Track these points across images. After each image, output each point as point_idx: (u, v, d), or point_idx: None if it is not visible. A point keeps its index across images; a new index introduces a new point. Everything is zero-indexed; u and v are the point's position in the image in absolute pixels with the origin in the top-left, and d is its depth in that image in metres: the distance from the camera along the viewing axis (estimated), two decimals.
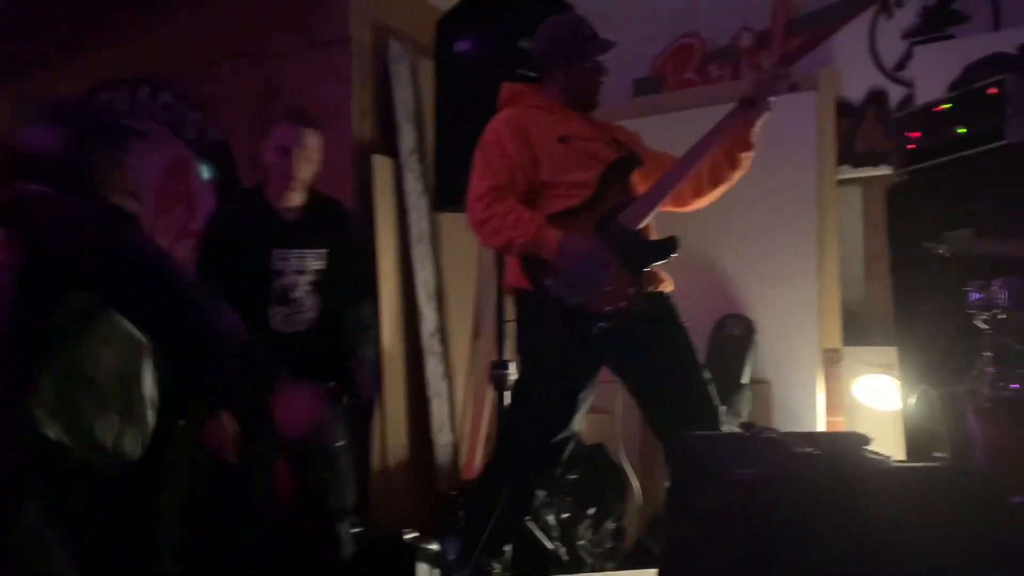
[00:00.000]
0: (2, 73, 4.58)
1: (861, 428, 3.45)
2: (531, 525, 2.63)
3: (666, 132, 2.90)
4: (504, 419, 2.50)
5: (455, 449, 3.77)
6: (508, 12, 3.10)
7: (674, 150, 2.47)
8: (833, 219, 3.63)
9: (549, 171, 2.34)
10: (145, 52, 4.21)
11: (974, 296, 1.71)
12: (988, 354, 1.69)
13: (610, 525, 3.27)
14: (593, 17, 2.58)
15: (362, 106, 3.66)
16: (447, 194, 3.28)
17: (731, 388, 3.46)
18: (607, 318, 2.16)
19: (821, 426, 3.46)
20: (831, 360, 3.53)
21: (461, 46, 3.15)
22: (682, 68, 4.22)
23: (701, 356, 2.40)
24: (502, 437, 2.47)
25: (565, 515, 3.16)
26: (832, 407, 3.50)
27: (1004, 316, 1.67)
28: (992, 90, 2.42)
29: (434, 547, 2.82)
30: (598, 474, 3.36)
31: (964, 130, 2.52)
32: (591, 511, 3.23)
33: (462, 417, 3.85)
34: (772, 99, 2.32)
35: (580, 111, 2.50)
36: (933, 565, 1.23)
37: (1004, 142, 2.39)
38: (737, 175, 2.47)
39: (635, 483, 3.30)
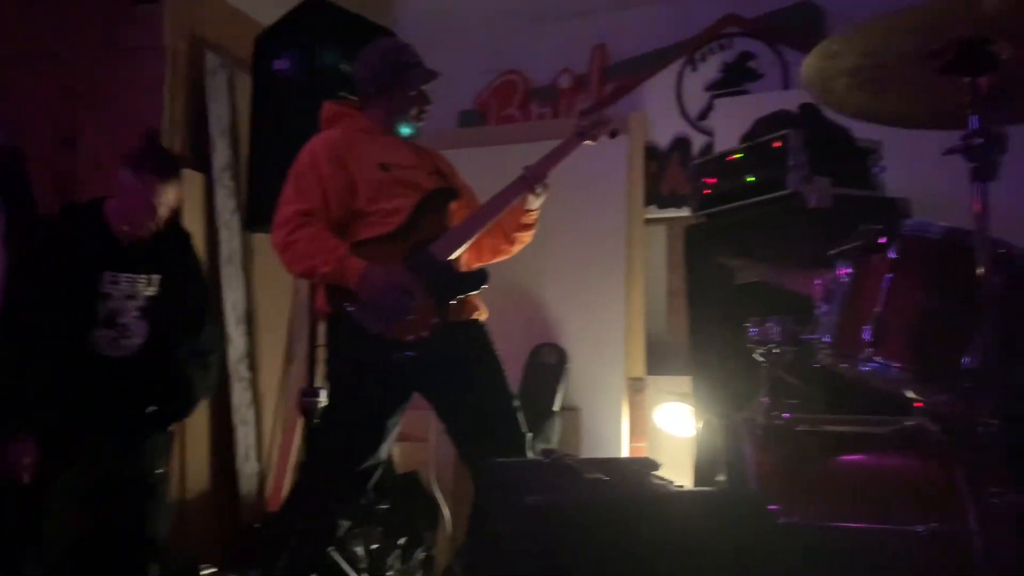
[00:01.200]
0: None
1: (661, 453, 3.65)
2: (336, 556, 2.57)
3: (489, 164, 2.98)
4: (308, 446, 2.44)
5: (262, 479, 3.62)
6: (330, 33, 3.06)
7: (497, 182, 2.53)
8: (640, 256, 3.84)
9: (365, 198, 2.33)
10: None
11: (752, 332, 1.86)
12: (763, 385, 1.84)
13: (420, 555, 3.25)
14: (419, 47, 2.61)
15: (173, 118, 3.48)
16: (260, 214, 3.17)
17: (543, 415, 3.56)
18: (412, 347, 2.16)
19: (625, 452, 3.62)
20: (635, 388, 3.71)
21: (280, 64, 3.08)
22: (505, 104, 4.34)
23: (515, 383, 2.46)
24: (305, 466, 2.40)
25: (374, 546, 3.11)
26: (635, 433, 3.68)
27: (777, 351, 1.83)
28: (776, 143, 2.66)
29: None
30: (410, 503, 3.33)
31: (753, 178, 2.75)
32: (401, 541, 3.19)
33: (270, 446, 3.71)
34: (544, 182, 2.46)
35: (402, 138, 2.50)
36: None
37: (787, 191, 2.62)
38: (514, 250, 2.58)
39: (446, 511, 3.30)
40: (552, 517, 1.29)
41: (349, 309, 2.16)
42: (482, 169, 2.84)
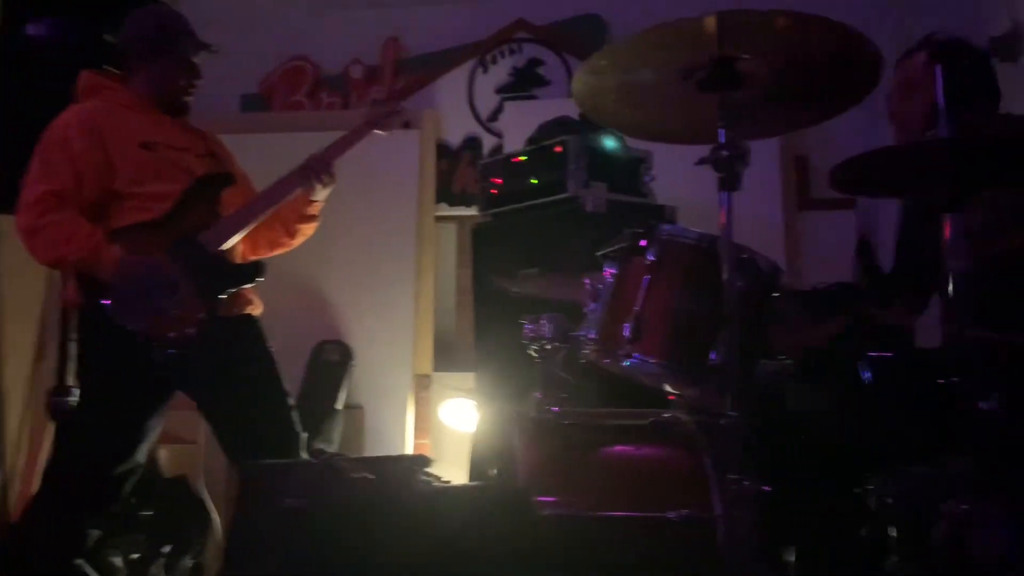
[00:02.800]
0: None
1: (446, 449, 3.68)
2: (86, 569, 2.35)
3: (272, 152, 2.85)
4: (54, 450, 2.21)
5: (4, 487, 3.26)
6: None
7: (280, 170, 2.41)
8: (430, 253, 3.85)
9: (125, 179, 2.14)
10: None
11: (527, 329, 1.90)
12: (536, 380, 1.89)
13: (188, 562, 3.05)
14: (200, 24, 2.44)
15: None
16: (9, 194, 2.85)
17: (326, 414, 3.47)
18: (174, 344, 2.02)
19: (409, 449, 3.60)
20: (422, 385, 3.71)
21: (34, 28, 2.78)
22: (293, 90, 4.18)
23: (296, 381, 2.36)
24: (50, 471, 2.18)
25: (135, 555, 2.88)
26: (420, 430, 3.68)
27: (550, 347, 1.88)
28: (558, 148, 2.75)
29: None
30: (177, 508, 3.13)
31: (536, 181, 2.83)
32: (166, 548, 2.99)
33: (15, 451, 3.34)
34: (332, 171, 2.37)
35: (170, 115, 2.33)
36: None
37: (567, 195, 2.72)
38: (295, 243, 2.48)
39: (216, 516, 3.13)
40: (313, 519, 1.24)
41: (103, 303, 1.97)
42: (264, 157, 2.72)
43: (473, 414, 3.43)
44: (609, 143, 2.81)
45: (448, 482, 1.47)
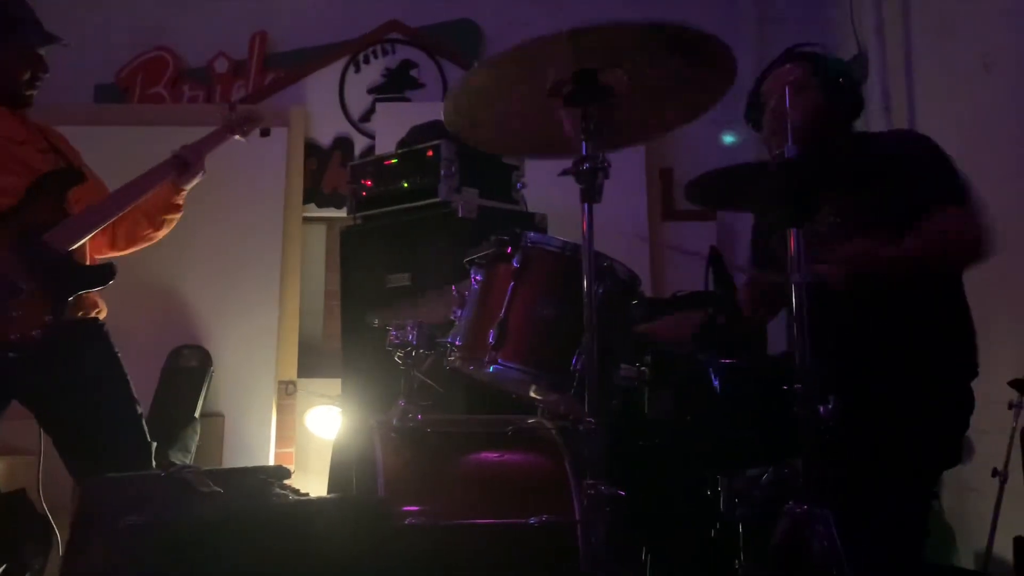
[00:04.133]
0: None
1: (311, 457, 3.59)
2: None
3: (130, 144, 2.69)
4: None
5: None
6: None
7: (138, 165, 2.29)
8: (296, 255, 3.74)
9: None
10: None
11: (392, 335, 1.87)
12: (402, 387, 1.86)
13: None
14: (52, 11, 2.28)
15: None
16: None
17: (183, 422, 3.31)
18: (14, 348, 1.88)
19: (272, 458, 3.49)
20: (286, 392, 3.60)
21: None
22: (152, 82, 3.98)
23: (150, 389, 2.24)
24: None
25: None
26: (283, 438, 3.57)
27: (416, 353, 1.86)
28: (430, 152, 2.73)
29: None
30: (15, 525, 2.91)
31: (407, 184, 2.80)
32: (2, 568, 2.77)
33: None
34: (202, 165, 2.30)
35: (8, 107, 2.17)
36: None
37: (438, 199, 2.71)
38: (160, 235, 2.38)
39: (58, 535, 2.92)
40: (156, 537, 1.17)
41: None
42: (120, 150, 2.57)
43: (338, 422, 3.36)
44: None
45: (306, 494, 1.42)
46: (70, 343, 2.05)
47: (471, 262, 1.75)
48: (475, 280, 1.72)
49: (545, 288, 1.61)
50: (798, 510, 1.39)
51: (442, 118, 2.99)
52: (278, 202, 3.73)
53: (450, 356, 1.72)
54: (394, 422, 1.76)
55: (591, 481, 1.47)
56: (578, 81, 1.42)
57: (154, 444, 2.20)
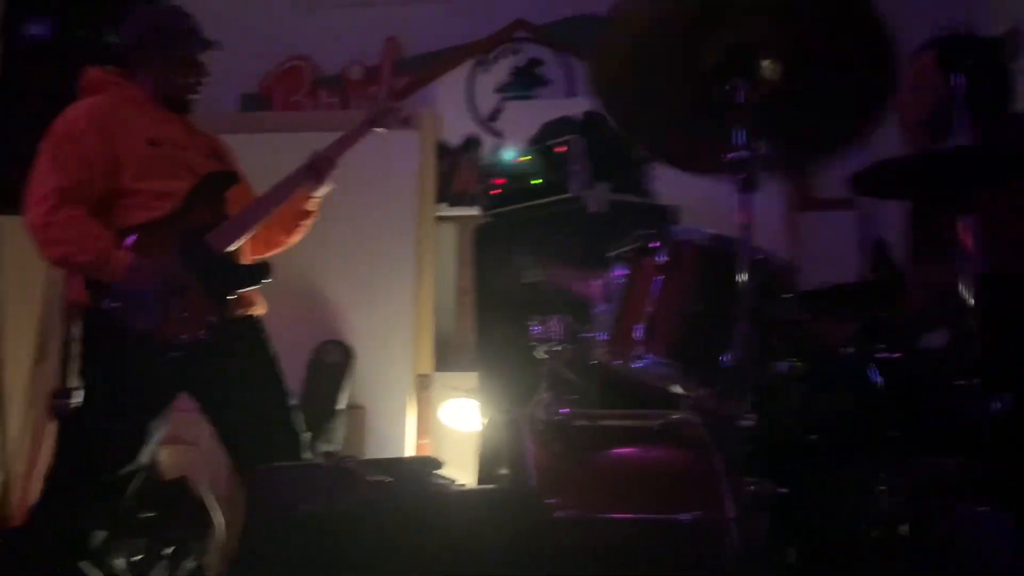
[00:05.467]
0: None
1: (447, 450, 3.67)
2: (90, 571, 2.33)
3: (272, 151, 2.82)
4: (57, 452, 2.19)
5: (5, 489, 3.24)
6: None
7: (280, 170, 2.41)
8: (430, 253, 3.83)
9: (131, 176, 2.13)
10: None
11: (534, 329, 1.89)
12: (544, 381, 1.88)
13: (189, 565, 3.04)
14: (199, 24, 2.43)
15: None
16: (8, 194, 2.83)
17: (327, 414, 3.46)
18: (180, 346, 2.00)
19: (411, 450, 3.59)
20: (423, 385, 3.70)
21: (35, 28, 2.77)
22: (292, 90, 4.17)
23: (295, 382, 2.35)
24: (53, 473, 2.16)
25: (137, 557, 2.87)
26: (422, 431, 3.66)
27: (558, 348, 1.87)
28: (560, 148, 2.75)
29: None
30: (178, 511, 3.11)
31: (538, 181, 2.82)
32: (168, 551, 2.97)
33: (16, 453, 3.32)
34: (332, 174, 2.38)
35: (175, 112, 2.32)
36: None
37: (569, 195, 2.72)
38: (293, 241, 2.47)
39: (219, 519, 3.11)
40: (328, 523, 1.24)
41: (111, 305, 1.96)
42: (264, 156, 2.70)
43: (475, 414, 3.42)
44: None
45: (463, 485, 1.46)
46: (231, 340, 2.17)
47: (614, 257, 1.75)
48: (619, 275, 1.72)
49: (693, 282, 1.59)
50: (973, 512, 1.32)
51: (570, 114, 3.03)
52: (411, 203, 3.83)
53: (595, 351, 1.73)
54: (541, 416, 1.78)
55: (745, 478, 1.44)
56: (730, 55, 1.39)
57: (307, 435, 2.31)
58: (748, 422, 1.46)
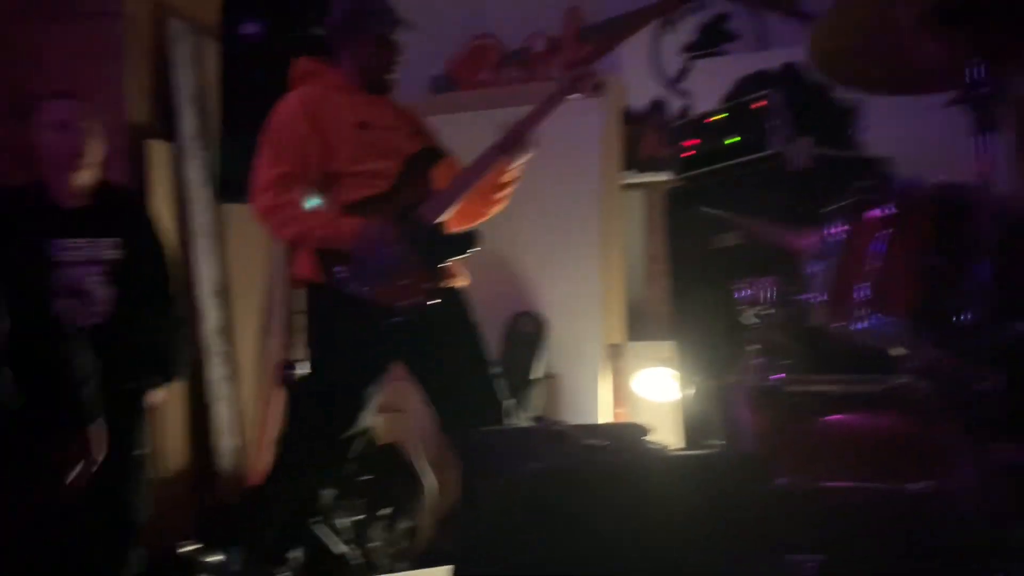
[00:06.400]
0: None
1: (640, 419, 3.65)
2: (320, 528, 2.53)
3: (462, 130, 2.90)
4: (288, 418, 2.38)
5: (240, 454, 3.57)
6: None
7: (470, 148, 2.47)
8: (617, 221, 3.81)
9: (344, 160, 2.26)
10: None
11: (743, 293, 1.83)
12: (755, 347, 1.82)
13: (404, 525, 3.23)
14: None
15: (137, 87, 3.37)
16: (233, 184, 3.09)
17: (523, 383, 3.54)
18: (402, 312, 2.11)
19: (606, 418, 3.61)
20: (615, 354, 3.70)
21: (248, 28, 2.98)
22: (478, 68, 4.25)
23: (493, 352, 2.43)
24: (285, 437, 2.35)
25: (358, 517, 3.08)
26: (617, 400, 3.67)
27: (769, 311, 1.80)
28: (758, 104, 2.63)
29: (218, 558, 2.65)
30: (391, 474, 3.31)
31: (734, 139, 2.72)
32: (384, 512, 3.17)
33: (249, 421, 3.65)
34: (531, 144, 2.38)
35: (377, 93, 2.43)
36: (712, 547, 1.30)
37: (768, 152, 2.60)
38: (492, 212, 2.51)
39: (430, 481, 3.28)
40: (551, 484, 1.26)
41: (340, 274, 2.09)
42: (457, 136, 2.77)
43: (671, 384, 3.38)
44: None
45: (679, 449, 1.44)
46: (440, 309, 2.26)
47: (830, 213, 1.66)
48: (836, 232, 1.62)
49: (926, 235, 1.47)
50: None
51: (764, 67, 2.89)
52: (597, 172, 3.81)
53: (812, 313, 1.65)
54: (754, 382, 1.73)
55: (983, 446, 1.33)
56: None
57: (509, 402, 2.38)
58: (988, 385, 1.34)
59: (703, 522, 1.34)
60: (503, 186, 2.46)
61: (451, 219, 2.45)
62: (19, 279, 2.37)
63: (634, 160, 3.92)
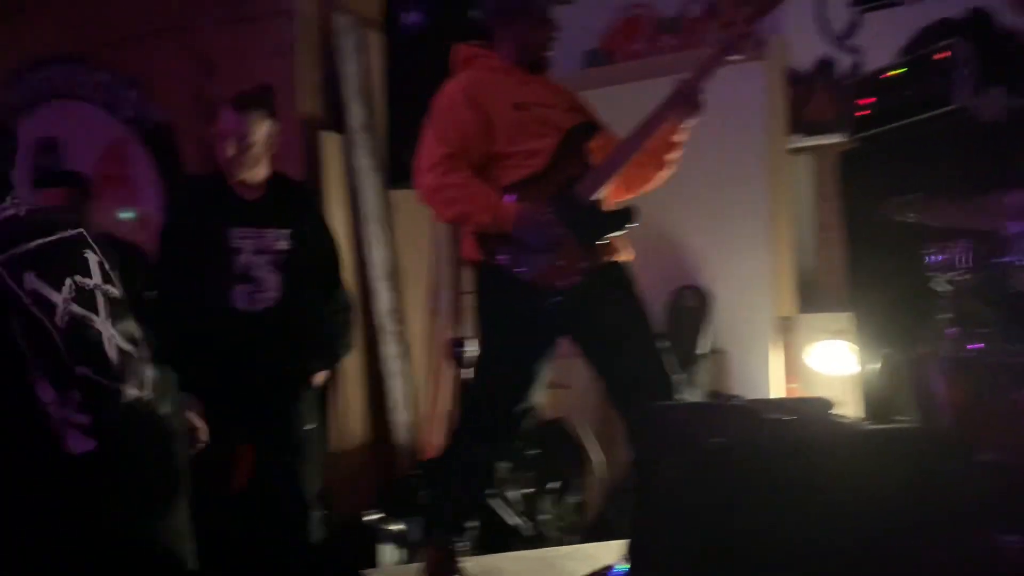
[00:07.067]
0: None
1: (816, 394, 3.51)
2: (494, 500, 2.61)
3: (618, 104, 2.86)
4: (463, 394, 2.45)
5: (414, 428, 3.72)
6: None
7: (627, 122, 2.43)
8: (785, 188, 3.65)
9: (503, 141, 2.28)
10: (76, 25, 4.03)
11: (935, 259, 1.72)
12: (948, 315, 1.70)
13: (572, 499, 3.27)
14: None
15: (308, 82, 3.55)
16: (400, 170, 3.21)
17: (688, 358, 3.48)
18: (561, 291, 2.13)
19: (778, 393, 3.49)
20: (786, 328, 3.56)
21: (410, 18, 3.07)
22: (631, 39, 4.18)
23: (658, 327, 2.40)
24: (462, 412, 2.42)
25: (527, 490, 3.15)
26: (789, 374, 3.54)
27: (964, 277, 1.68)
28: (941, 55, 2.44)
29: (397, 527, 2.78)
30: (558, 449, 3.35)
31: (913, 95, 2.54)
32: (553, 485, 3.22)
33: (422, 396, 3.80)
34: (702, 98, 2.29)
35: (535, 72, 2.44)
36: (907, 524, 1.23)
37: (952, 107, 2.41)
38: (663, 176, 2.44)
39: (597, 456, 3.30)
40: (736, 459, 1.24)
41: (501, 258, 2.14)
42: (611, 110, 2.74)
43: (847, 357, 3.22)
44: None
45: (869, 424, 1.38)
46: (604, 285, 2.25)
47: None
48: None
49: None
50: None
51: (946, 15, 2.67)
52: (761, 137, 3.67)
53: (1015, 277, 1.52)
54: (948, 353, 1.62)
55: None
56: None
57: (678, 377, 2.34)
58: None
59: (901, 499, 1.28)
60: (674, 147, 2.39)
61: (617, 189, 2.42)
62: (200, 265, 2.59)
63: (801, 123, 3.73)
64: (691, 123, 2.35)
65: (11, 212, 1.68)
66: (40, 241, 1.64)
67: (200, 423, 2.17)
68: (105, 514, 1.61)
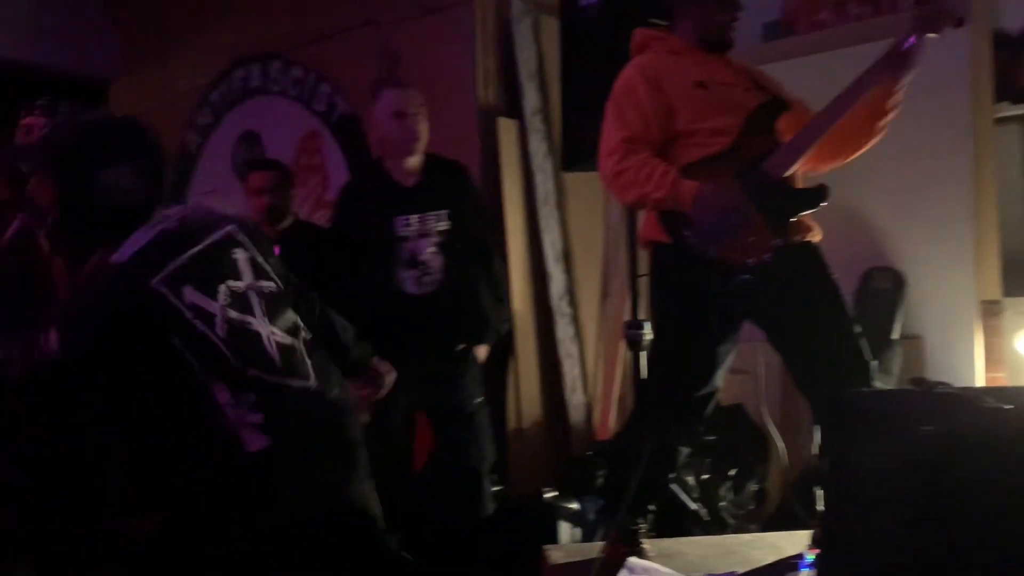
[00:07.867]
0: (141, 55, 4.82)
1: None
2: (673, 485, 2.58)
3: (799, 78, 2.74)
4: (646, 376, 2.44)
5: (588, 409, 3.76)
6: None
7: (810, 96, 2.32)
8: (990, 160, 3.36)
9: (685, 119, 2.25)
10: (274, 25, 4.33)
11: None
12: None
13: (752, 487, 3.19)
14: None
15: (485, 69, 3.64)
16: (574, 154, 3.23)
17: (880, 344, 3.28)
18: (749, 270, 2.07)
19: (980, 382, 3.24)
20: (990, 312, 3.29)
21: (587, 1, 3.07)
22: (817, 9, 3.97)
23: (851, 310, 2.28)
24: (643, 394, 2.41)
25: (705, 476, 3.10)
26: (992, 362, 3.28)
27: None
28: None
29: (574, 506, 2.82)
30: (737, 435, 3.27)
31: None
32: (732, 472, 3.15)
33: (593, 378, 3.82)
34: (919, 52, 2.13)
35: (716, 52, 2.38)
36: None
37: None
38: (869, 145, 2.30)
39: (779, 444, 3.19)
40: (950, 449, 1.16)
41: (687, 234, 2.11)
42: (795, 83, 2.61)
43: None
44: None
45: None
46: (793, 266, 2.17)
47: None
48: None
49: None
50: None
51: None
52: (964, 106, 3.39)
53: None
54: None
55: None
56: None
57: (875, 362, 2.23)
58: None
59: None
60: (887, 111, 2.26)
61: (815, 160, 2.31)
62: (369, 253, 2.72)
63: (1009, 90, 3.42)
64: (905, 83, 2.20)
65: (161, 227, 1.64)
66: (193, 251, 1.63)
67: (385, 366, 2.21)
68: (283, 506, 1.62)
